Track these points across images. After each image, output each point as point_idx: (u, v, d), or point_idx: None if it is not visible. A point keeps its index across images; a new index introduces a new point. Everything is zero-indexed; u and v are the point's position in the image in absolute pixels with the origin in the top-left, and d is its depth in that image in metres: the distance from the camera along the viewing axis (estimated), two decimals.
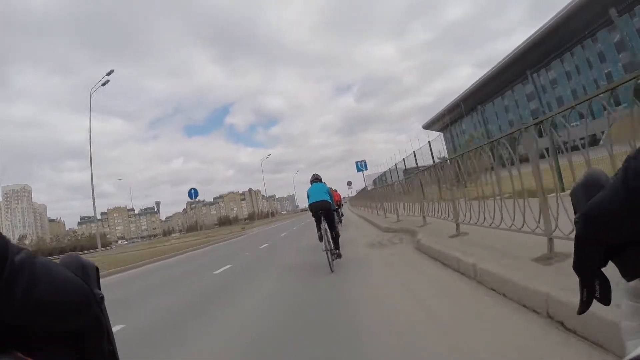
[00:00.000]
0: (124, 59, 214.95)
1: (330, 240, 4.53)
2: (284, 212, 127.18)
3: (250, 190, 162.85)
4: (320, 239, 4.52)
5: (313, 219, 4.80)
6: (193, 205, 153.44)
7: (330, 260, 4.26)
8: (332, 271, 4.19)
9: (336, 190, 10.92)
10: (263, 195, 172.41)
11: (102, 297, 0.33)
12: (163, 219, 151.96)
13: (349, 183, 32.06)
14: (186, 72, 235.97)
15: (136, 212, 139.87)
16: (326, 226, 4.57)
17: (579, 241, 0.37)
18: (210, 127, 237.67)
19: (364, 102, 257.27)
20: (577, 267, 0.38)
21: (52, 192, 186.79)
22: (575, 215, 0.39)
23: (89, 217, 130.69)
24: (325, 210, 4.69)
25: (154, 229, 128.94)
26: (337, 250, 4.62)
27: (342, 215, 12.41)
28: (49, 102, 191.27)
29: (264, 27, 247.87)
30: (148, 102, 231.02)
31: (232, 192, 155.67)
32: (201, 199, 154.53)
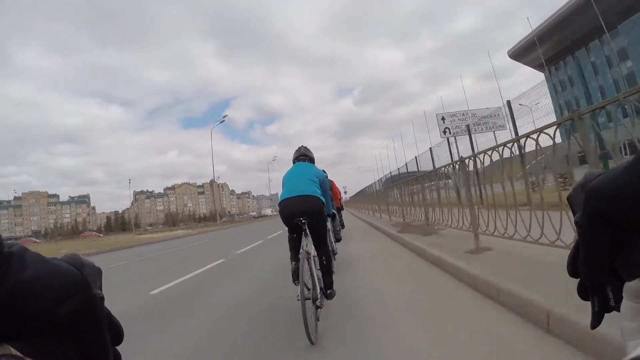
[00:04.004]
0: (126, 44, 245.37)
1: (316, 275, 2.53)
2: (253, 214, 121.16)
3: (212, 182, 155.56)
4: (296, 276, 2.52)
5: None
6: (137, 197, 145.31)
7: (308, 319, 2.25)
8: (312, 343, 2.22)
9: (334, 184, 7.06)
10: (233, 191, 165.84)
11: (103, 298, 0.36)
12: (120, 212, 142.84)
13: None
14: (188, 64, 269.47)
15: (61, 199, 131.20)
16: (310, 247, 2.61)
17: (584, 226, 0.39)
18: (208, 121, 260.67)
19: (363, 106, 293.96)
20: (586, 261, 0.40)
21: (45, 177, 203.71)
22: (574, 215, 0.41)
23: None
24: (313, 217, 2.73)
25: (76, 221, 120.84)
26: (329, 291, 2.74)
27: (343, 227, 7.70)
28: (44, 83, 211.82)
29: (269, 22, 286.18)
30: (147, 91, 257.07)
31: (187, 184, 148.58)
32: (150, 190, 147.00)
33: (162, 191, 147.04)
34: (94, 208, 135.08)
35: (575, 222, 0.40)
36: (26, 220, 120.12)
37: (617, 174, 0.36)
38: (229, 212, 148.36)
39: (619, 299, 0.39)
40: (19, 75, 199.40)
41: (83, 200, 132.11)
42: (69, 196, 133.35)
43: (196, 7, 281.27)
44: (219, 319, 3.11)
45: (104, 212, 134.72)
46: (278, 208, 2.88)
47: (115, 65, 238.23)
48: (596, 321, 0.40)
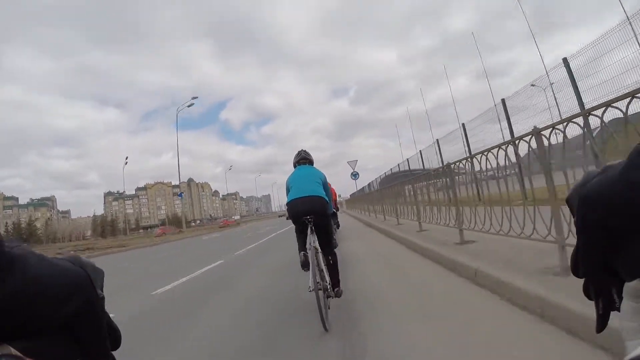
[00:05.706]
0: (121, 47, 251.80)
1: (324, 269, 2.98)
2: (236, 217, 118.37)
3: (189, 181, 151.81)
4: (306, 265, 3.05)
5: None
6: (106, 198, 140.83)
7: (322, 307, 2.68)
8: (326, 330, 2.65)
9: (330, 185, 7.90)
10: (217, 191, 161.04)
11: (103, 298, 0.38)
12: (102, 213, 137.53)
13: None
14: (183, 66, 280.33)
15: (21, 202, 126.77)
16: (317, 244, 3.07)
17: (581, 231, 0.41)
18: (204, 123, 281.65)
19: (358, 106, 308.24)
20: (584, 262, 0.42)
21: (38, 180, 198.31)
22: (574, 217, 0.43)
23: None
24: (318, 216, 3.20)
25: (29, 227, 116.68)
26: (337, 289, 3.18)
27: (338, 227, 10.04)
28: (38, 84, 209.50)
29: (263, 23, 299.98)
30: (142, 93, 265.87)
31: (161, 183, 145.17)
32: (121, 190, 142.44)
33: (133, 192, 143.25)
34: (67, 212, 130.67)
35: (576, 223, 0.43)
36: None
37: (610, 181, 0.37)
38: (210, 214, 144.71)
39: (622, 299, 0.41)
40: (10, 78, 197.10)
41: (44, 203, 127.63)
42: (30, 198, 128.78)
43: (189, 8, 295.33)
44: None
45: (88, 217, 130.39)
46: (287, 210, 3.35)
47: (108, 68, 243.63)
48: (601, 324, 0.43)
